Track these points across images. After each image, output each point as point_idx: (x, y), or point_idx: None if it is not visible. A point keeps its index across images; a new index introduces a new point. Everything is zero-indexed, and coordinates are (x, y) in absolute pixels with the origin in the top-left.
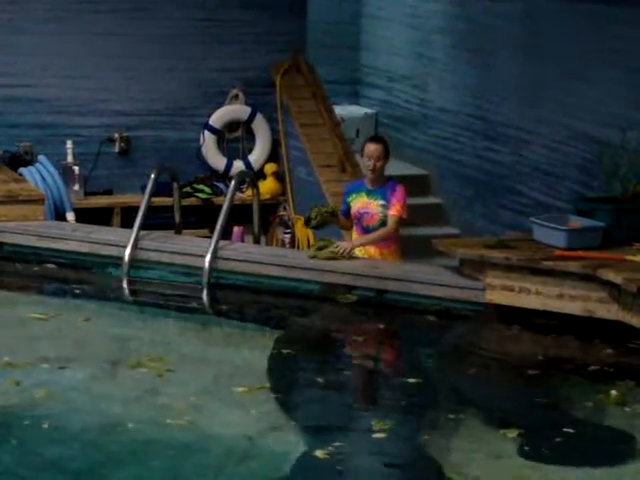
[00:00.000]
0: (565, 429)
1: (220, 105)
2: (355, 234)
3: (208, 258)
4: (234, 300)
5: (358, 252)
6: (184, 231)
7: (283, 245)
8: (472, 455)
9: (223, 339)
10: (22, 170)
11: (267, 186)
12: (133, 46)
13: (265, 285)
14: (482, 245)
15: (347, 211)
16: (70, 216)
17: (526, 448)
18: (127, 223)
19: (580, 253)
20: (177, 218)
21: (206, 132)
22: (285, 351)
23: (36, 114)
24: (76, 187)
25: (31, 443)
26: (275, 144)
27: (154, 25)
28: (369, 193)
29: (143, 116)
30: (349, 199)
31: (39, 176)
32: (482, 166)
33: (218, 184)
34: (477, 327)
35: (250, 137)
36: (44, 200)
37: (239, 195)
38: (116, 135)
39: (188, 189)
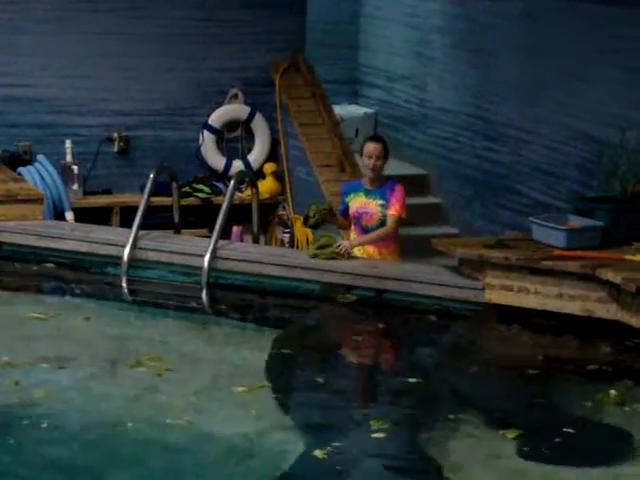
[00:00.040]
0: (564, 429)
1: (219, 105)
2: (353, 234)
3: (207, 258)
4: (233, 300)
5: (357, 252)
6: (183, 231)
7: (282, 245)
8: (472, 455)
9: (222, 339)
10: (21, 170)
11: (266, 186)
12: (132, 46)
13: (264, 285)
14: (481, 245)
15: (345, 211)
16: (69, 216)
17: (526, 448)
18: (126, 223)
19: (579, 253)
20: (176, 218)
21: (205, 132)
22: (284, 351)
23: (35, 114)
24: (75, 187)
25: (30, 443)
26: (274, 144)
27: (153, 25)
28: (368, 193)
29: (142, 116)
30: (347, 199)
31: (38, 176)
32: (481, 166)
33: (217, 184)
34: (476, 327)
35: (249, 137)
36: (43, 200)
37: (238, 195)
38: (115, 135)
39: (187, 189)
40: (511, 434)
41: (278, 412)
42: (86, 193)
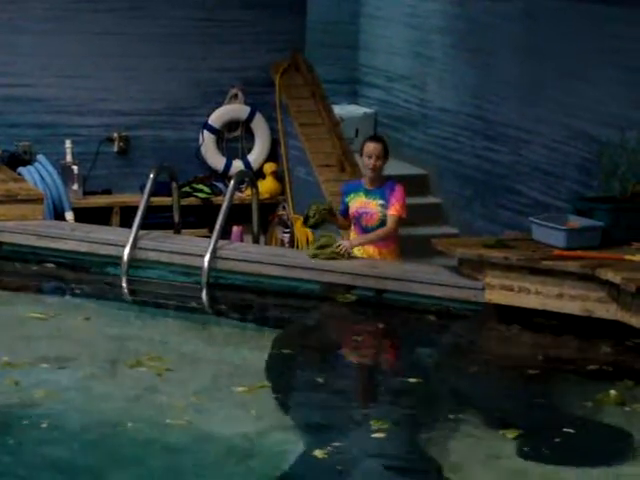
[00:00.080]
0: (565, 429)
1: (219, 105)
2: (353, 234)
3: (207, 258)
4: (233, 300)
5: (357, 252)
6: (183, 231)
7: (282, 245)
8: (472, 455)
9: (222, 338)
10: (21, 170)
11: (266, 186)
12: (132, 46)
13: (264, 285)
14: (481, 245)
15: (345, 211)
16: (69, 216)
17: (526, 448)
18: (126, 223)
19: (579, 253)
20: (176, 218)
21: (205, 132)
22: (284, 351)
23: (35, 114)
24: (75, 187)
25: (30, 443)
26: (274, 144)
27: (153, 25)
28: (367, 193)
29: (142, 116)
30: (347, 199)
31: (38, 176)
32: (481, 166)
33: (217, 184)
34: (476, 327)
35: (249, 137)
36: (43, 200)
37: (238, 195)
38: (115, 135)
39: (187, 189)
40: (511, 434)
41: (278, 412)
42: (86, 193)
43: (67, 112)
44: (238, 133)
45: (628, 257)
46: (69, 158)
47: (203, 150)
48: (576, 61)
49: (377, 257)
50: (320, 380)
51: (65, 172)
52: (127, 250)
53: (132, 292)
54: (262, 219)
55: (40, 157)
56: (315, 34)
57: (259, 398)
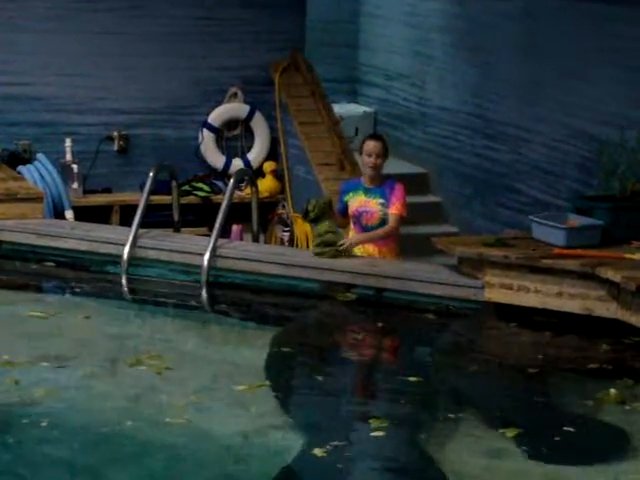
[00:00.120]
0: (565, 428)
1: (219, 103)
2: (352, 232)
3: (207, 256)
4: (233, 298)
5: (357, 251)
6: (183, 229)
7: (282, 243)
8: (471, 454)
9: (222, 337)
10: (21, 168)
11: (266, 184)
12: (132, 44)
13: (264, 283)
14: (481, 243)
15: (344, 210)
16: (69, 214)
17: (526, 447)
18: (126, 221)
19: (579, 251)
20: (176, 216)
21: (205, 130)
22: (284, 349)
23: (35, 112)
24: (75, 185)
25: (30, 441)
26: (274, 142)
27: (153, 24)
28: (367, 191)
29: (142, 114)
30: (346, 198)
31: (38, 174)
32: (481, 164)
33: (217, 182)
34: (476, 325)
35: (249, 135)
36: (43, 198)
37: (238, 193)
38: (115, 133)
39: (187, 187)
40: (511, 433)
41: (278, 410)
42: (86, 192)
43: (67, 111)
44: (238, 132)
45: (628, 256)
46: (69, 157)
47: (203, 149)
48: (576, 60)
49: (377, 256)
50: (320, 379)
51: (65, 171)
52: (127, 249)
53: (132, 291)
54: (262, 218)
55: (40, 156)
56: (315, 33)
57: (259, 397)
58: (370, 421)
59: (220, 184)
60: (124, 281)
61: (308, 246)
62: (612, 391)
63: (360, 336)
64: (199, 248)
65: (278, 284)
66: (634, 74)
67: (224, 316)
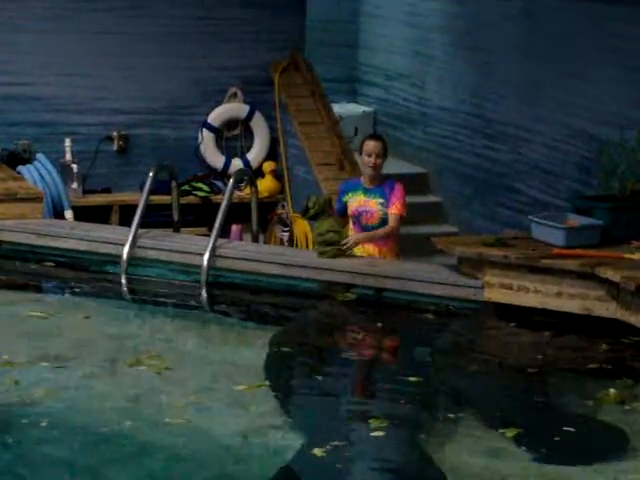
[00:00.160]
0: (564, 427)
1: (219, 103)
2: (352, 232)
3: (206, 256)
4: (232, 298)
5: (357, 251)
6: (182, 229)
7: (281, 243)
8: (471, 454)
9: (222, 337)
10: (20, 168)
11: (265, 184)
12: (131, 44)
13: (263, 283)
14: (481, 243)
15: (342, 210)
16: (68, 214)
17: (525, 447)
18: (125, 221)
19: (579, 251)
20: (175, 216)
21: (205, 130)
22: (283, 349)
23: (35, 112)
24: (74, 185)
25: (30, 441)
26: (273, 142)
27: (152, 23)
28: (366, 191)
29: (142, 114)
30: (345, 198)
31: (37, 174)
32: (481, 164)
33: (216, 182)
34: (476, 325)
35: (249, 135)
36: (42, 198)
37: (237, 193)
38: (114, 133)
39: (186, 187)
40: (511, 433)
41: (277, 410)
42: (85, 192)
43: (67, 111)
44: (237, 132)
45: (627, 256)
46: (68, 157)
47: (202, 149)
48: (576, 60)
49: (377, 256)
50: (319, 378)
51: (64, 171)
52: (126, 249)
53: (131, 291)
54: (261, 218)
55: (39, 156)
56: (315, 33)
57: (258, 397)
58: (370, 421)
59: (220, 184)
60: (124, 281)
61: (307, 246)
62: (612, 391)
63: (360, 336)
64: (199, 248)
65: (278, 284)
66: (634, 74)
67: (224, 316)
